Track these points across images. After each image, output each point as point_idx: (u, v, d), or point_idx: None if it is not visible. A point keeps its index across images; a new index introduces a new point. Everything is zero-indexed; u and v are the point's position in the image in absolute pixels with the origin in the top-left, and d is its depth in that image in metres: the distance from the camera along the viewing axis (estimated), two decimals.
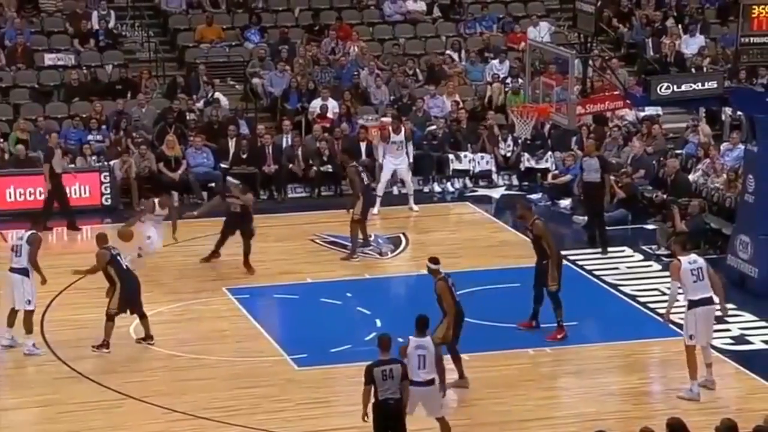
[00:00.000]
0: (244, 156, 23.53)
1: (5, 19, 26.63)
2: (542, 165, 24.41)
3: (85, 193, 22.60)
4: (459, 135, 24.75)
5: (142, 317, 16.27)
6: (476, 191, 24.17)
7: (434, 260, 14.82)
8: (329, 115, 24.89)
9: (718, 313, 15.18)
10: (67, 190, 22.36)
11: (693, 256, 14.83)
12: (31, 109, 24.82)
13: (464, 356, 15.21)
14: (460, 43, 27.66)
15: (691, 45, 27.63)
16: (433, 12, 28.82)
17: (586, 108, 18.77)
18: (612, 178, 21.28)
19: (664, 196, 21.64)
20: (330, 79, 26.09)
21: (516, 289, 18.03)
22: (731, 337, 16.63)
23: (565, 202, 22.82)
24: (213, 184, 23.32)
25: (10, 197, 22.49)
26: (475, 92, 26.54)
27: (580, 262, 19.62)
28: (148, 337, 16.26)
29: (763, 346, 16.44)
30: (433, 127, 24.66)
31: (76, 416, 14.34)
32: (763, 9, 18.44)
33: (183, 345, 16.31)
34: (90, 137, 23.81)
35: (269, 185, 23.64)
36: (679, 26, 28.42)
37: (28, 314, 15.95)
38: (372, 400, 12.23)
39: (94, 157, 23.33)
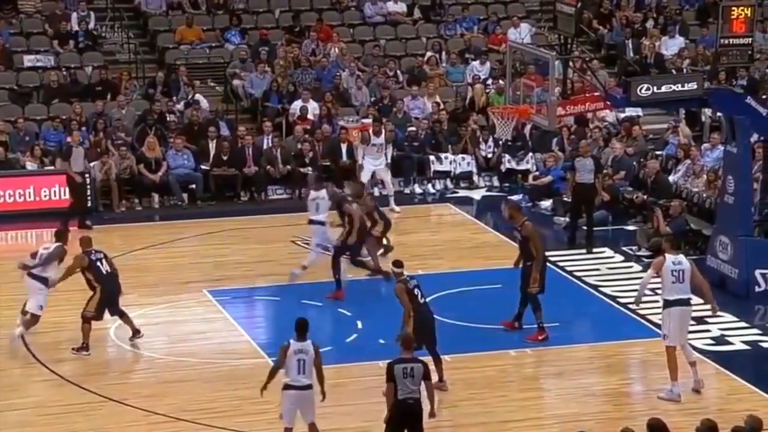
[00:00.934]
0: (225, 157, 23.51)
1: None
2: (523, 166, 24.47)
3: (64, 194, 22.51)
4: (440, 136, 24.78)
5: (122, 316, 16.22)
6: (457, 192, 24.20)
7: (398, 263, 14.97)
8: (310, 116, 24.89)
9: (708, 312, 15.23)
10: (48, 192, 22.34)
11: (680, 257, 14.91)
12: (10, 110, 24.73)
13: (446, 357, 15.24)
14: (441, 45, 27.69)
15: (671, 46, 27.74)
16: (413, 13, 28.85)
17: (566, 109, 18.82)
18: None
19: (645, 197, 21.72)
20: (310, 81, 26.09)
21: (497, 291, 18.09)
22: (711, 338, 16.70)
23: (546, 204, 22.87)
24: (193, 186, 23.29)
25: None
26: (456, 93, 26.58)
27: (561, 263, 19.66)
28: (136, 333, 16.21)
29: (744, 346, 16.51)
30: (414, 128, 24.67)
31: (57, 419, 14.30)
32: (742, 10, 18.54)
33: (163, 347, 16.28)
34: (69, 139, 23.69)
35: (250, 187, 23.61)
36: (659, 28, 28.53)
37: (35, 318, 16.12)
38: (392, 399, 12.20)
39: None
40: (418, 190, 24.18)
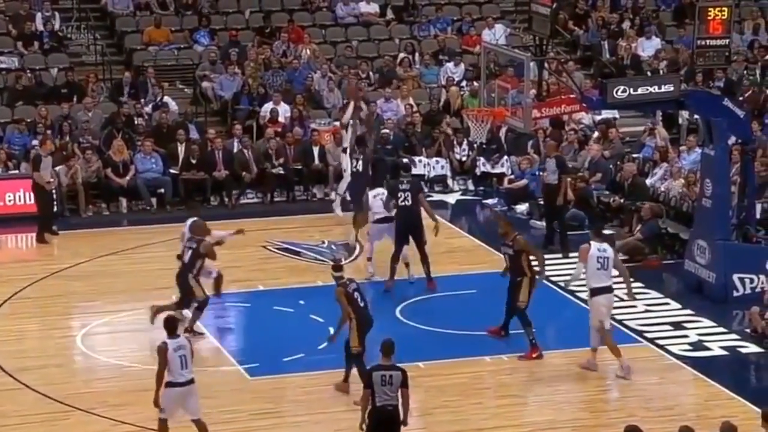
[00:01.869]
0: (194, 161, 23.46)
1: None
2: (498, 170, 24.50)
3: (30, 199, 22.37)
4: (413, 139, 24.79)
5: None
6: (431, 196, 24.15)
7: (337, 267, 15.11)
8: (281, 119, 24.87)
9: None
10: (12, 197, 22.22)
11: (604, 245, 15.63)
12: None
13: (419, 364, 15.25)
14: (414, 46, 27.72)
15: (648, 47, 27.86)
16: (386, 14, 28.86)
17: (542, 111, 18.85)
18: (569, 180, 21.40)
19: (621, 201, 21.79)
20: (281, 83, 26.06)
21: (472, 296, 18.12)
22: (689, 344, 16.76)
23: (522, 207, 22.90)
24: (162, 190, 23.22)
25: None
26: (429, 95, 26.61)
27: (537, 268, 19.64)
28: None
29: (722, 352, 16.58)
30: (386, 130, 24.67)
31: (21, 429, 14.21)
32: (720, 11, 18.64)
33: (132, 355, 16.21)
34: (35, 142, 23.59)
35: (220, 191, 23.55)
36: (635, 29, 28.65)
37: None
38: (369, 406, 12.21)
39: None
40: None
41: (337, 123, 24.62)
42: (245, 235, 18.40)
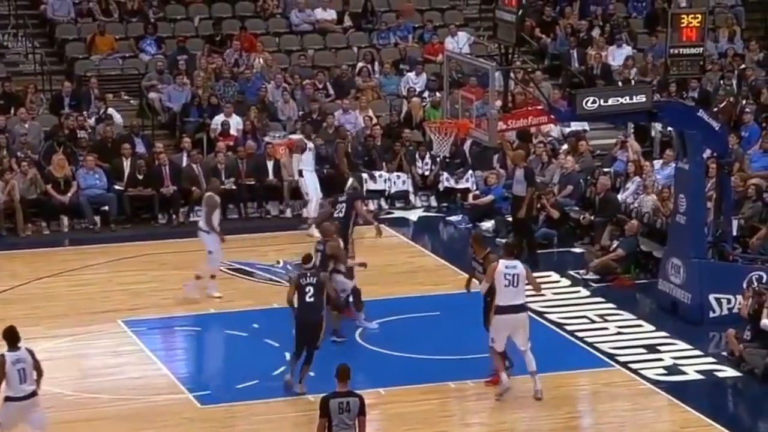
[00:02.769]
0: (140, 177, 23.39)
1: None
2: (462, 185, 24.58)
3: None
4: (373, 153, 24.84)
5: None
6: (392, 213, 24.25)
7: (306, 258, 15.94)
8: (233, 132, 24.84)
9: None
10: None
11: (515, 262, 15.65)
12: None
13: (380, 390, 15.31)
14: (374, 55, 27.79)
15: (618, 56, 28.07)
16: (344, 21, 28.92)
17: (508, 123, 18.92)
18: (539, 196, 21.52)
19: (592, 218, 21.92)
20: (233, 94, 26.04)
21: (435, 318, 18.13)
22: (664, 367, 16.86)
23: (487, 225, 22.97)
24: (106, 207, 23.12)
25: None
26: (390, 107, 26.68)
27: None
28: None
29: (698, 376, 16.69)
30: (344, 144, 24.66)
31: None
32: (693, 18, 18.80)
33: (73, 383, 16.12)
34: None
35: (168, 208, 23.49)
36: (605, 36, 28.85)
37: None
38: None
39: None
40: None
41: (293, 136, 24.66)
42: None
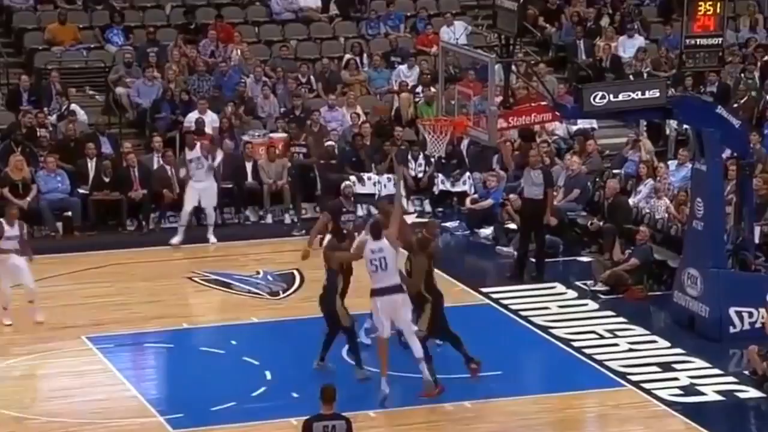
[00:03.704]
0: (107, 179, 23.38)
1: None
2: (459, 188, 24.62)
3: None
4: (362, 153, 24.87)
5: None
6: None
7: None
8: (208, 130, 24.83)
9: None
10: None
11: (380, 244, 15.78)
12: None
13: (369, 413, 15.35)
14: (362, 46, 27.83)
15: (629, 47, 28.14)
16: (329, 9, 28.97)
17: (509, 121, 18.95)
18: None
19: (601, 224, 21.95)
20: (208, 88, 26.07)
21: None
22: (679, 387, 16.89)
23: (486, 231, 23.02)
24: (69, 213, 23.12)
25: None
26: (380, 103, 26.70)
27: (504, 301, 19.80)
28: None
29: (717, 397, 16.71)
30: (331, 143, 24.72)
31: None
32: (711, 5, 18.83)
33: (34, 405, 16.12)
34: None
35: (136, 213, 23.49)
36: (615, 26, 28.92)
37: None
38: None
39: None
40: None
41: (273, 135, 24.69)
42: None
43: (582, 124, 25.22)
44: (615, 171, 23.82)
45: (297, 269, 20.90)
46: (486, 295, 20.08)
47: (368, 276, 15.85)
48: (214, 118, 25.04)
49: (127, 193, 23.36)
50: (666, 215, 21.30)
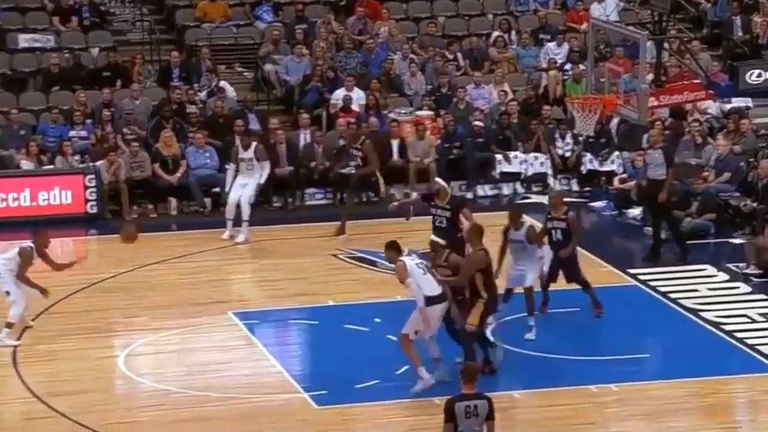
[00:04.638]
0: None
1: None
2: (607, 167, 24.43)
3: (66, 199, 22.74)
4: (509, 131, 24.78)
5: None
6: (528, 197, 24.18)
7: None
8: (354, 107, 24.98)
9: None
10: (46, 195, 22.58)
11: (413, 256, 15.90)
12: (2, 99, 25.02)
13: (513, 393, 15.30)
14: (511, 23, 27.69)
15: None
16: None
17: (660, 99, 18.78)
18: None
19: (754, 205, 21.61)
20: (356, 66, 26.18)
21: (575, 315, 18.04)
22: None
23: (635, 212, 22.80)
24: (217, 189, 23.43)
25: None
26: (527, 81, 26.57)
27: (652, 283, 19.60)
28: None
29: None
30: (479, 122, 24.69)
31: None
32: None
33: (179, 379, 16.38)
34: (72, 133, 23.97)
35: (283, 190, 23.71)
36: None
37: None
38: None
39: (76, 157, 23.46)
40: (482, 193, 24.26)
41: (420, 113, 24.72)
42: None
43: (736, 102, 24.82)
44: None
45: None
46: (633, 276, 19.89)
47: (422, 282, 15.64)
48: (360, 96, 25.16)
49: (273, 170, 23.57)
50: None
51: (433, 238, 17.03)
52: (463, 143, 24.43)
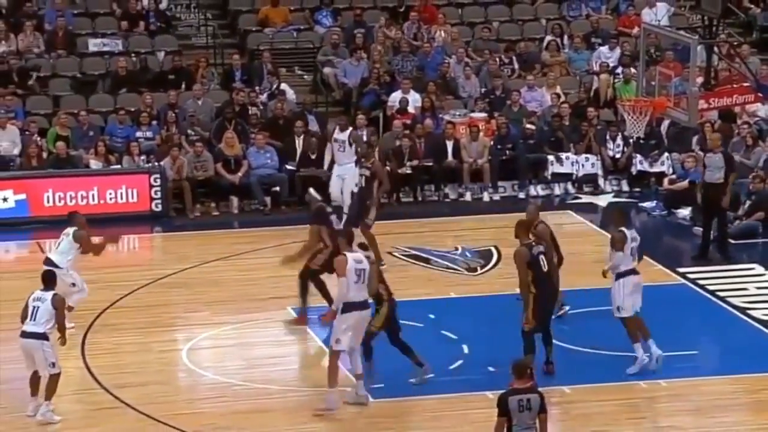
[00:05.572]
0: (313, 156, 23.62)
1: None
2: (657, 168, 24.26)
3: (132, 197, 22.83)
4: (560, 133, 24.65)
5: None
6: (580, 198, 24.04)
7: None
8: (410, 109, 24.93)
9: None
10: (113, 194, 22.68)
11: (360, 255, 15.26)
12: (72, 101, 25.18)
13: (564, 388, 15.22)
14: (563, 27, 27.54)
15: None
16: None
17: (709, 102, 18.62)
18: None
19: None
20: (412, 69, 26.13)
21: None
22: None
23: (684, 212, 22.61)
24: (277, 188, 23.45)
25: (48, 202, 22.76)
26: (579, 84, 26.41)
27: (701, 282, 19.41)
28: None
29: None
30: (532, 125, 24.60)
31: None
32: None
33: (240, 372, 16.39)
34: (139, 134, 24.08)
35: None
36: None
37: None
38: None
39: (142, 157, 23.56)
40: (534, 193, 24.10)
41: (474, 115, 24.62)
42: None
43: None
44: None
45: (495, 246, 20.83)
46: (682, 275, 19.70)
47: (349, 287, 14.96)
48: (416, 98, 25.11)
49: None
50: None
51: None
52: (516, 144, 24.33)
